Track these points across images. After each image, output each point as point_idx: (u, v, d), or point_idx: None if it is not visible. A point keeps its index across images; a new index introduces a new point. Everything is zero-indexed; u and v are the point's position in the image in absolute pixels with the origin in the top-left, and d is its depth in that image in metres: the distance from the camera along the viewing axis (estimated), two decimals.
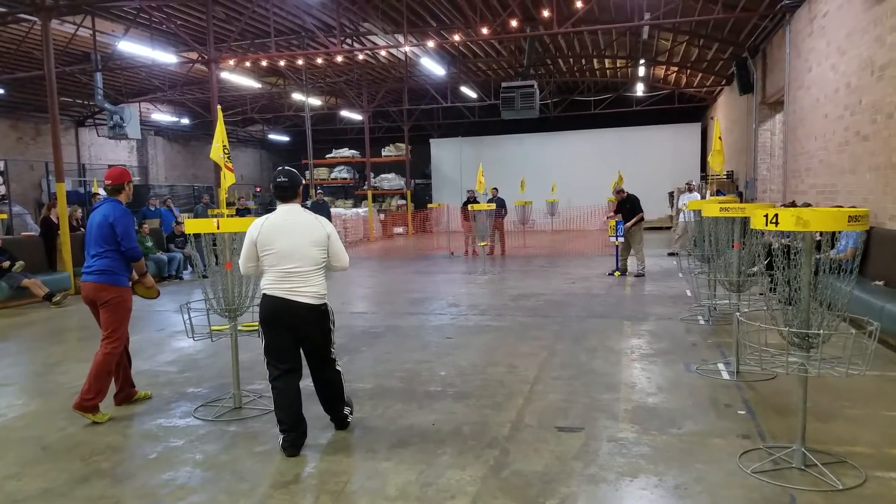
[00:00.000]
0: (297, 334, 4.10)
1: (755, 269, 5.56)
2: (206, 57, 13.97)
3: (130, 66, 18.00)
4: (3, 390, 5.63)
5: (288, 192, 4.15)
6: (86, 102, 21.26)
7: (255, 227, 4.10)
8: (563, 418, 4.59)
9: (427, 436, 4.32)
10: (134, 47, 15.64)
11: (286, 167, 4.29)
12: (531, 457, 3.95)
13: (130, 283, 4.94)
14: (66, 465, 4.00)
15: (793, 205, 9.25)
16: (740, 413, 4.63)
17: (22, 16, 13.23)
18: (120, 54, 16.91)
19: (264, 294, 4.08)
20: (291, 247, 4.02)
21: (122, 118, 16.53)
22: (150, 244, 12.84)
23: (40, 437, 4.49)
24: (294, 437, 4.04)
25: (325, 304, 4.15)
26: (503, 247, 16.58)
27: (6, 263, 10.09)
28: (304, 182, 4.34)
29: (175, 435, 4.46)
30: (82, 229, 12.54)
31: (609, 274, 12.02)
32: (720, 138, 10.30)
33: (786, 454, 3.78)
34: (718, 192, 15.06)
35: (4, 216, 15.13)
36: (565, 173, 25.34)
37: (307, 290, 4.04)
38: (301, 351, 4.19)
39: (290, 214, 4.12)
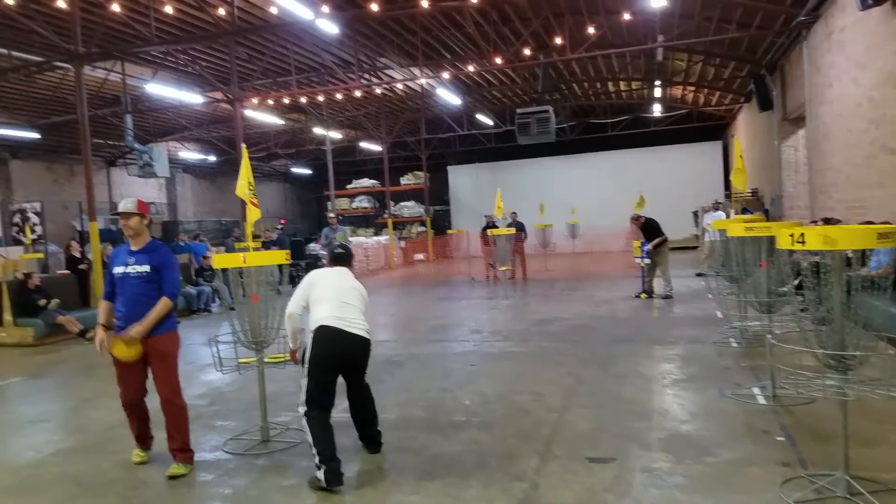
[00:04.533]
0: (348, 364, 4.35)
1: (785, 288, 5.43)
2: (230, 96, 14.31)
3: (158, 107, 18.53)
4: (41, 426, 5.69)
5: (343, 260, 4.75)
6: (116, 143, 21.86)
7: (315, 274, 4.58)
8: (594, 448, 4.49)
9: (453, 468, 4.25)
10: (161, 89, 16.11)
11: (344, 244, 4.84)
12: (561, 489, 3.86)
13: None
14: (102, 501, 4.02)
15: (828, 222, 9.07)
16: (779, 439, 4.48)
17: (57, 63, 13.71)
18: (148, 96, 17.44)
19: (321, 326, 4.21)
20: (346, 288, 4.45)
21: (151, 157, 16.94)
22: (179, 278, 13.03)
23: (76, 473, 4.53)
24: (338, 466, 4.03)
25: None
26: (524, 271, 16.49)
27: (42, 301, 10.30)
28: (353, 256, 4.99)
29: (205, 469, 4.46)
30: None
31: (635, 296, 11.86)
32: (741, 157, 10.20)
33: (829, 482, 3.63)
34: (745, 210, 14.86)
35: (41, 255, 15.49)
36: (585, 195, 25.22)
37: (361, 325, 4.34)
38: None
39: (343, 272, 4.62)
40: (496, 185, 17.99)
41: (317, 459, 4.01)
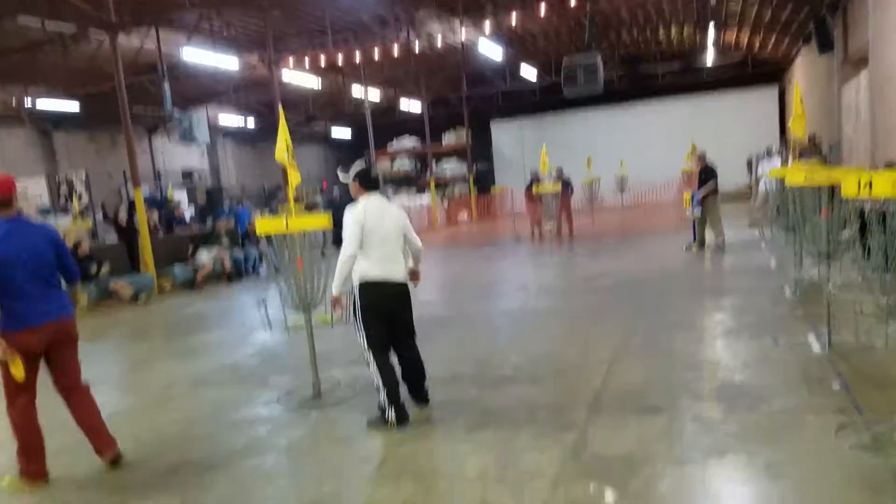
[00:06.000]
0: (394, 314, 4.37)
1: (846, 234, 5.21)
2: (266, 59, 14.29)
3: (195, 73, 18.64)
4: (98, 388, 5.80)
5: (377, 183, 4.53)
6: (156, 111, 22.18)
7: (361, 212, 4.30)
8: (644, 399, 4.44)
9: (503, 419, 4.28)
10: (197, 55, 16.18)
11: (368, 161, 4.54)
12: (611, 439, 3.84)
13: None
14: (160, 456, 4.17)
15: (892, 166, 8.61)
16: (834, 387, 4.36)
17: (92, 33, 13.84)
18: (184, 62, 17.55)
19: (366, 280, 4.24)
20: (388, 230, 4.33)
21: (191, 124, 17.12)
22: (225, 242, 13.33)
23: (133, 431, 4.69)
24: (405, 406, 4.28)
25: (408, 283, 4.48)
26: (571, 227, 16.25)
27: (94, 269, 10.68)
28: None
29: (260, 424, 4.59)
30: (160, 234, 13.13)
31: (686, 248, 11.59)
32: (801, 102, 9.74)
33: (886, 428, 3.54)
34: (801, 157, 14.23)
35: (89, 224, 15.98)
36: (634, 147, 24.54)
37: (401, 270, 4.38)
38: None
39: (381, 202, 4.44)
40: (541, 141, 17.64)
41: (385, 399, 4.19)
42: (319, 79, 22.56)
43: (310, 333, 5.03)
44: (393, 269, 4.31)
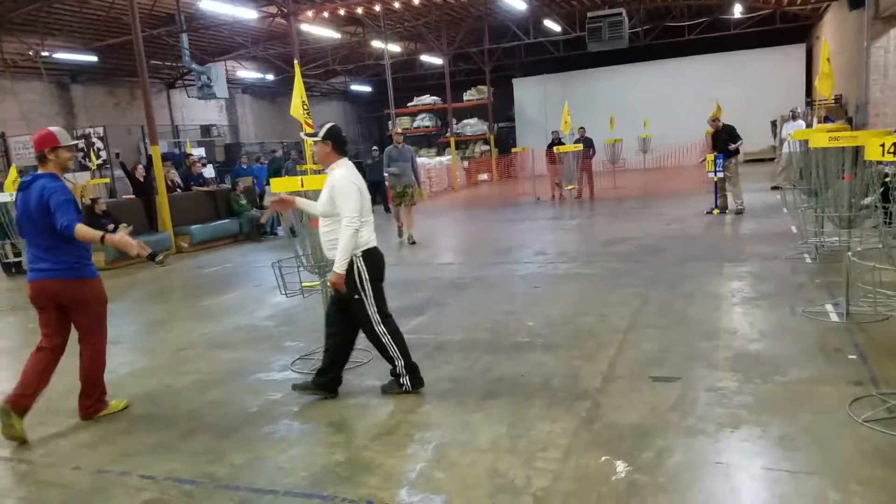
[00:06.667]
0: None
1: (868, 200, 5.08)
2: (284, 9, 14.06)
3: (213, 24, 18.37)
4: (115, 348, 5.98)
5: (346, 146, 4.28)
6: (174, 64, 21.99)
7: (356, 179, 4.10)
8: (658, 368, 4.43)
9: (516, 388, 4.28)
10: (215, 5, 15.92)
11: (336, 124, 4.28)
12: (624, 408, 3.84)
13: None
14: (173, 419, 4.22)
15: None
16: (851, 358, 4.33)
17: None
18: (203, 13, 17.28)
19: (369, 248, 4.12)
20: (367, 195, 4.20)
21: (209, 77, 16.97)
22: (243, 202, 13.33)
23: (149, 393, 4.76)
24: (419, 371, 4.29)
25: None
26: (592, 189, 16.06)
27: (111, 227, 10.66)
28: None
29: (274, 388, 4.64)
30: (179, 189, 13.15)
31: (707, 213, 11.42)
32: (828, 60, 9.40)
33: None
34: (826, 119, 13.85)
35: (107, 180, 15.99)
36: (658, 106, 23.98)
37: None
38: None
39: (353, 168, 4.22)
40: (564, 98, 17.31)
41: (402, 366, 4.20)
42: (339, 31, 22.24)
43: (324, 297, 5.04)
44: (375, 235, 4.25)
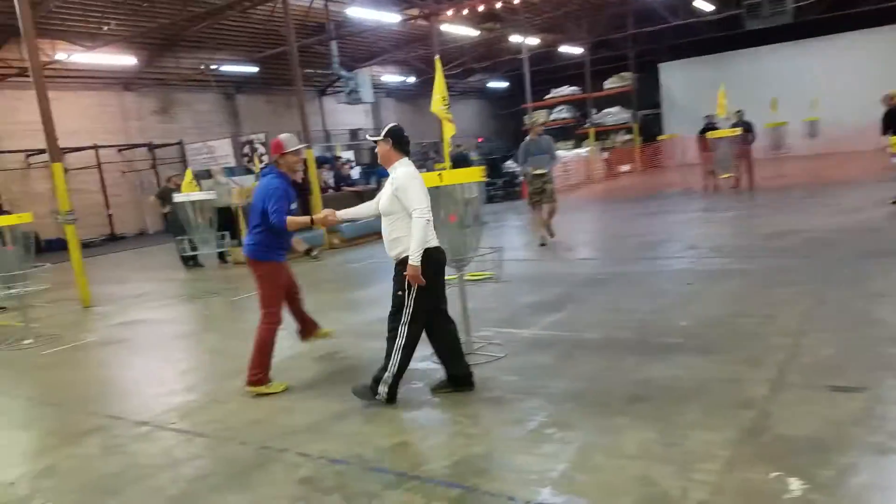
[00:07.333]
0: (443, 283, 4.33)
1: None
2: (426, 10, 14.34)
3: (359, 30, 19.25)
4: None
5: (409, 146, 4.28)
6: (325, 72, 23.33)
7: (418, 174, 4.15)
8: (838, 377, 3.88)
9: (667, 392, 3.94)
10: (361, 12, 16.67)
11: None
12: (798, 420, 3.40)
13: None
14: (327, 403, 4.41)
15: None
16: None
17: None
18: (350, 20, 18.17)
19: (430, 246, 4.04)
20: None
21: (356, 83, 17.80)
22: None
23: (308, 376, 5.05)
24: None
25: None
26: (751, 178, 14.77)
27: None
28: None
29: (416, 377, 4.64)
30: (330, 190, 13.85)
31: (892, 202, 10.07)
32: None
33: None
34: None
35: None
36: (828, 86, 21.65)
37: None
38: None
39: (414, 167, 4.21)
40: (718, 81, 16.09)
41: (390, 375, 4.09)
42: (477, 28, 22.36)
43: (462, 291, 4.99)
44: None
